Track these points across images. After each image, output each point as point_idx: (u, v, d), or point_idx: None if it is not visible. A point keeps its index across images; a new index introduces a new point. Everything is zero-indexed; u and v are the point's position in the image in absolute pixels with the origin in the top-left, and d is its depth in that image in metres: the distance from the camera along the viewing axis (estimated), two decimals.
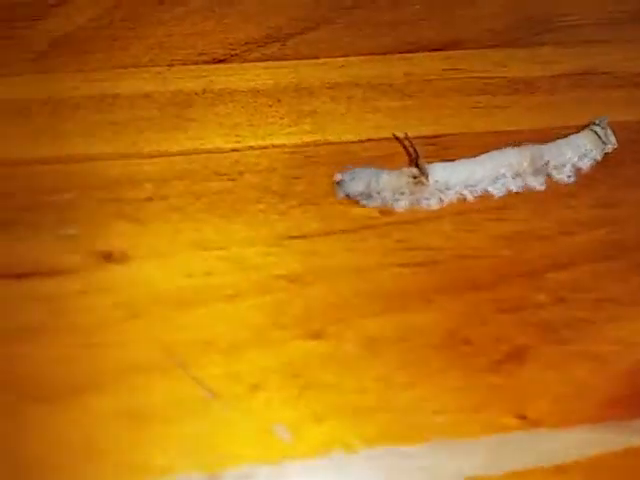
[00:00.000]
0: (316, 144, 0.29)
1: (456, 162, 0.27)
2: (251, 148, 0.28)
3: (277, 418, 0.21)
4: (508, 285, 0.24)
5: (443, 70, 0.32)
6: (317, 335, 0.23)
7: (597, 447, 0.21)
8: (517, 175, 0.27)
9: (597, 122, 0.29)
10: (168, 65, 0.31)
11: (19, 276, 0.23)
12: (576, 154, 0.28)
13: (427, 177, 0.26)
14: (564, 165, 0.28)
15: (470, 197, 0.27)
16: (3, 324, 0.22)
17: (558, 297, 0.24)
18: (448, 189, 0.26)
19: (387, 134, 0.29)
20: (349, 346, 0.22)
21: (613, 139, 0.28)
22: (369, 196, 0.26)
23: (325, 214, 0.26)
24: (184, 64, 0.31)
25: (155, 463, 0.19)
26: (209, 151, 0.28)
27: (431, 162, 0.27)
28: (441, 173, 0.26)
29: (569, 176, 0.27)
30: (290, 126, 0.29)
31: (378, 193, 0.26)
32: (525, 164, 0.27)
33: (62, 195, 0.26)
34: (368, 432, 0.21)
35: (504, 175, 0.27)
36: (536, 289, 0.24)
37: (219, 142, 0.28)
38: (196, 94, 0.30)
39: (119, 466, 0.19)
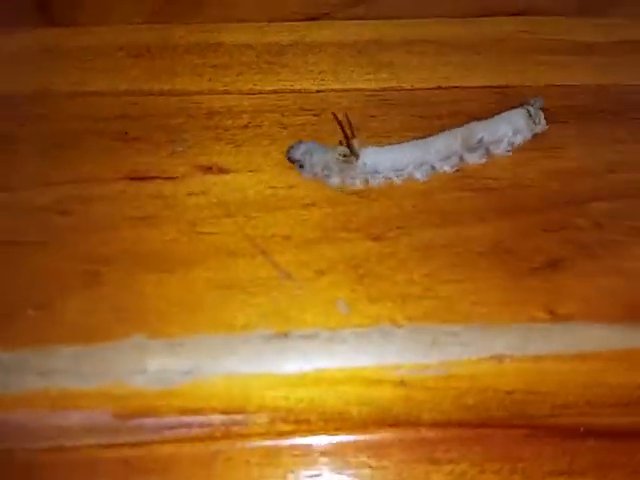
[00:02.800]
0: (391, 89, 0.32)
1: (386, 147, 0.28)
2: (334, 90, 0.32)
3: (338, 296, 0.25)
4: (553, 210, 0.28)
5: (513, 32, 0.35)
6: (377, 238, 0.26)
7: (617, 342, 0.24)
8: (447, 157, 0.28)
9: (532, 102, 0.30)
10: (267, 21, 0.36)
11: (143, 179, 0.28)
12: (510, 129, 0.29)
13: (357, 157, 0.28)
14: (501, 140, 0.29)
15: (397, 180, 0.28)
16: (132, 214, 0.27)
17: (596, 222, 0.27)
18: (377, 172, 0.28)
19: (456, 84, 0.33)
20: (404, 248, 0.26)
21: (542, 121, 0.30)
22: (302, 166, 0.28)
23: None
24: (281, 21, 0.36)
25: (239, 322, 0.24)
26: (298, 91, 0.32)
27: (364, 145, 0.28)
28: (371, 157, 0.28)
29: (507, 150, 0.29)
30: (369, 74, 0.33)
31: (311, 166, 0.28)
32: (456, 146, 0.28)
33: (174, 120, 0.31)
34: (414, 313, 0.24)
35: (429, 160, 0.28)
36: (578, 215, 0.27)
37: (306, 84, 0.33)
38: (289, 45, 0.34)
39: (213, 321, 0.24)
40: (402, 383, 0.23)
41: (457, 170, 0.29)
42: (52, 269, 0.25)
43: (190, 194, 0.28)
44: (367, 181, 0.28)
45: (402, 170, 0.28)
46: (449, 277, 0.25)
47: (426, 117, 0.31)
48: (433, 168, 0.28)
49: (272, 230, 0.27)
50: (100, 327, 0.23)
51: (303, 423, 0.24)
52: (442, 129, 0.30)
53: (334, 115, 0.29)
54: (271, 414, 0.23)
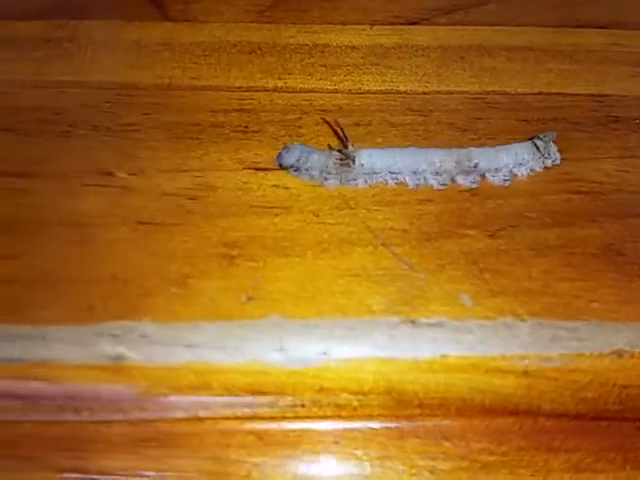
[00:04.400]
0: (495, 93, 0.34)
1: (383, 149, 0.29)
2: (438, 92, 0.34)
3: (461, 289, 0.26)
4: None
5: (606, 44, 0.37)
6: (492, 235, 0.28)
7: None
8: (438, 173, 0.29)
9: (541, 136, 0.30)
10: (370, 24, 0.37)
11: (265, 170, 0.29)
12: (512, 161, 0.29)
13: (353, 161, 0.28)
14: (499, 169, 0.29)
15: (392, 183, 0.29)
16: (257, 202, 0.28)
17: None
18: (374, 173, 0.29)
19: (557, 90, 0.34)
20: (519, 246, 0.27)
21: (555, 155, 0.30)
22: (298, 169, 0.29)
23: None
24: (383, 24, 0.37)
25: (368, 309, 0.25)
26: (404, 92, 0.34)
27: (361, 147, 0.29)
28: (367, 158, 0.29)
29: (505, 180, 0.29)
30: (472, 77, 0.34)
31: (307, 169, 0.29)
32: (449, 164, 0.29)
33: (289, 115, 0.32)
34: (534, 308, 0.25)
35: (425, 170, 0.29)
36: None
37: (411, 86, 0.34)
38: (393, 48, 0.36)
39: (343, 306, 0.25)
40: (525, 374, 0.24)
41: (564, 173, 0.30)
42: (187, 250, 0.26)
43: (311, 186, 0.29)
44: (365, 182, 0.29)
45: (396, 174, 0.29)
46: (565, 275, 0.26)
47: (529, 121, 0.32)
48: (425, 179, 0.29)
49: (391, 223, 0.28)
50: (238, 307, 0.25)
51: (427, 407, 0.25)
52: (543, 133, 0.31)
53: (325, 120, 0.31)
54: (397, 397, 0.24)
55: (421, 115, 0.32)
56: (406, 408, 0.25)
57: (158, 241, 0.26)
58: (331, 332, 0.24)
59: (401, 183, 0.29)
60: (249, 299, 0.25)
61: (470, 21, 0.37)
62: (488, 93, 0.33)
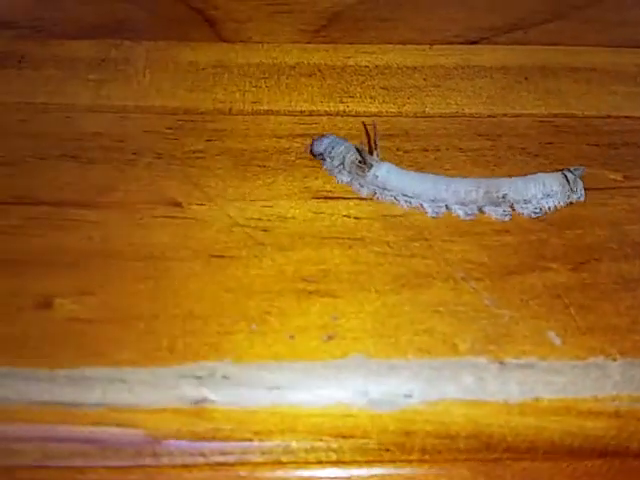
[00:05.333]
0: (562, 116, 0.33)
1: (402, 170, 0.29)
2: (505, 115, 0.33)
3: (546, 326, 0.25)
4: None
5: None
6: (575, 268, 0.27)
7: None
8: (463, 203, 0.28)
9: (572, 169, 0.29)
10: (429, 44, 0.36)
11: (333, 199, 0.29)
12: (540, 192, 0.28)
13: (369, 167, 0.28)
14: (528, 201, 0.28)
15: (404, 205, 0.28)
16: (328, 234, 0.27)
17: None
18: (385, 189, 0.28)
19: (626, 113, 0.33)
20: (604, 279, 0.26)
21: (581, 191, 0.29)
22: (324, 159, 0.29)
23: None
24: (442, 43, 0.36)
25: (454, 347, 0.24)
26: (469, 115, 0.33)
27: (385, 161, 0.29)
28: (383, 173, 0.28)
29: (535, 212, 0.28)
30: (537, 100, 0.34)
31: (331, 159, 0.29)
32: (475, 195, 0.28)
33: (353, 141, 0.31)
34: (624, 346, 0.25)
35: (446, 199, 0.28)
36: None
37: (476, 109, 0.33)
38: (454, 69, 0.35)
39: (429, 344, 0.24)
40: (617, 415, 0.23)
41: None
42: (264, 285, 0.25)
43: (382, 216, 0.28)
44: (374, 194, 0.28)
45: (410, 198, 0.28)
46: None
47: (600, 146, 0.32)
48: (447, 208, 0.28)
49: (468, 256, 0.27)
50: (319, 345, 0.24)
51: (514, 451, 0.24)
52: (617, 159, 0.30)
53: (363, 123, 0.30)
54: (485, 441, 0.24)
55: (489, 139, 0.32)
56: (494, 452, 0.24)
57: (233, 275, 0.26)
58: (416, 373, 0.24)
59: (415, 208, 0.28)
60: (329, 337, 0.24)
61: (530, 40, 0.37)
62: (556, 116, 0.33)
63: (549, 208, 0.28)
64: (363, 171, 0.28)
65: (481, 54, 0.36)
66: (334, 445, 0.23)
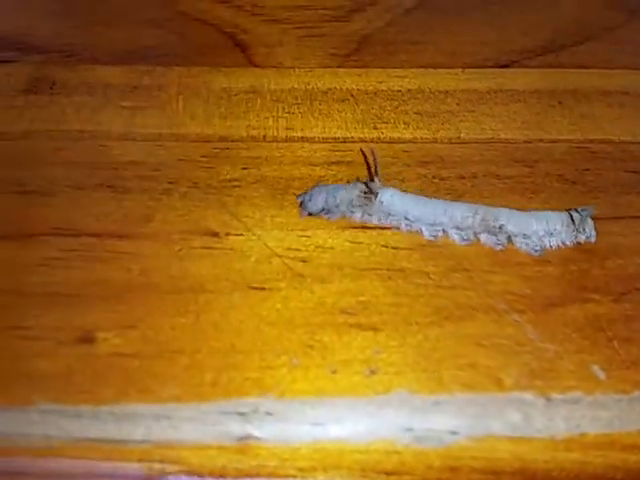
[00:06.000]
0: (598, 142, 0.32)
1: (406, 194, 0.28)
2: (541, 141, 0.33)
3: (592, 360, 0.25)
4: None
5: None
6: (617, 299, 0.27)
7: None
8: (459, 228, 0.28)
9: (579, 209, 0.28)
10: (461, 67, 0.36)
11: (371, 228, 0.28)
12: (542, 229, 0.28)
13: (375, 196, 0.28)
14: (528, 236, 0.28)
15: (404, 229, 0.28)
16: (365, 265, 0.27)
17: None
18: (390, 215, 0.28)
19: None
20: None
21: (591, 232, 0.28)
22: (329, 211, 0.28)
23: (613, 201, 0.30)
24: (473, 67, 0.36)
25: (498, 382, 0.24)
26: (505, 141, 0.33)
27: (386, 186, 0.29)
28: (387, 198, 0.28)
29: (535, 250, 0.28)
30: (572, 125, 0.33)
31: (337, 207, 0.28)
32: (472, 221, 0.28)
33: (390, 169, 0.31)
34: None
35: (443, 223, 0.28)
36: None
37: (512, 134, 0.33)
38: (487, 93, 0.35)
39: (474, 379, 0.24)
40: None
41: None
42: (304, 318, 0.25)
43: (420, 245, 0.28)
44: (380, 220, 0.28)
45: (411, 222, 0.28)
46: None
47: (639, 173, 0.31)
48: (444, 232, 0.28)
49: (510, 287, 0.27)
50: (361, 380, 0.24)
51: None
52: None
53: (361, 150, 0.30)
54: (531, 476, 0.23)
55: (526, 166, 0.31)
56: None
57: (273, 308, 0.26)
58: (461, 409, 0.24)
59: (414, 232, 0.28)
60: (372, 372, 0.24)
61: (562, 64, 0.36)
62: (592, 142, 0.32)
63: (551, 246, 0.28)
64: (371, 200, 0.28)
65: (514, 78, 0.36)
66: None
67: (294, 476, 0.23)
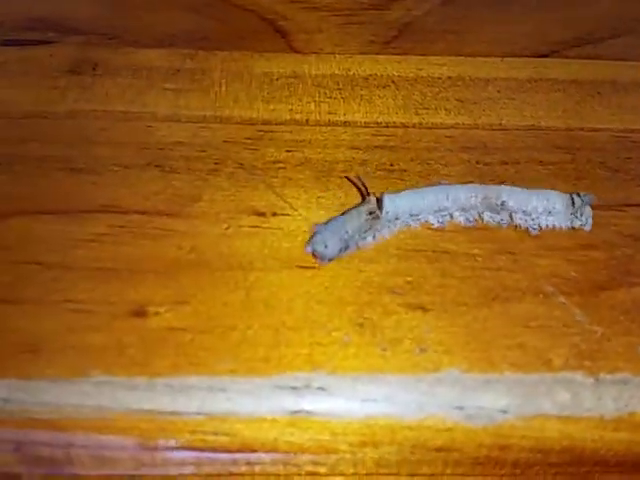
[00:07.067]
0: (638, 132, 0.33)
1: (401, 193, 0.28)
2: (582, 130, 0.33)
3: (637, 341, 0.25)
4: None
5: None
6: None
7: None
8: (464, 209, 0.28)
9: (581, 194, 0.28)
10: (500, 56, 0.36)
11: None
12: (542, 206, 0.28)
13: (382, 210, 0.27)
14: (528, 213, 0.28)
15: (415, 226, 0.28)
16: (413, 246, 0.27)
17: None
18: (397, 219, 0.28)
19: None
20: None
21: (587, 219, 0.28)
22: (347, 247, 0.27)
23: None
24: (512, 56, 0.36)
25: (548, 362, 0.24)
26: (547, 128, 0.33)
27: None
28: (389, 204, 0.27)
29: (533, 227, 0.28)
30: (612, 115, 0.34)
31: (352, 238, 0.27)
32: (474, 200, 0.28)
33: (432, 153, 0.31)
34: None
35: (448, 208, 0.28)
36: None
37: (552, 122, 0.33)
38: (528, 82, 0.35)
39: (523, 358, 0.24)
40: None
41: None
42: (353, 296, 0.26)
43: (465, 228, 0.28)
44: (391, 228, 0.28)
45: (417, 216, 0.28)
46: None
47: None
48: (451, 216, 0.28)
49: (557, 270, 0.27)
50: (411, 358, 0.24)
51: (604, 465, 0.24)
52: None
53: (347, 178, 0.29)
54: (579, 455, 0.23)
55: (568, 153, 0.31)
56: (584, 465, 0.24)
57: (322, 286, 0.26)
58: (510, 389, 0.24)
59: (424, 224, 0.28)
60: (422, 351, 0.24)
61: (599, 55, 0.37)
62: (632, 131, 0.33)
63: (547, 226, 0.28)
64: (378, 217, 0.27)
65: (553, 67, 0.36)
66: (427, 458, 0.23)
67: (344, 451, 0.23)
